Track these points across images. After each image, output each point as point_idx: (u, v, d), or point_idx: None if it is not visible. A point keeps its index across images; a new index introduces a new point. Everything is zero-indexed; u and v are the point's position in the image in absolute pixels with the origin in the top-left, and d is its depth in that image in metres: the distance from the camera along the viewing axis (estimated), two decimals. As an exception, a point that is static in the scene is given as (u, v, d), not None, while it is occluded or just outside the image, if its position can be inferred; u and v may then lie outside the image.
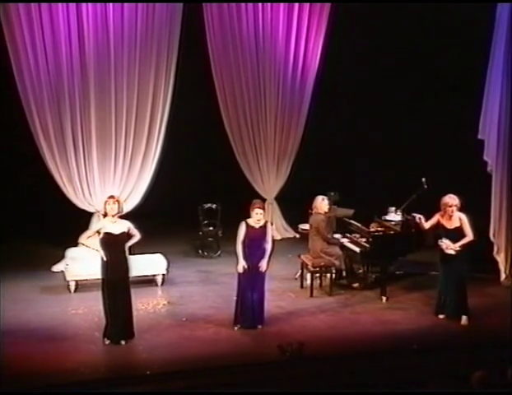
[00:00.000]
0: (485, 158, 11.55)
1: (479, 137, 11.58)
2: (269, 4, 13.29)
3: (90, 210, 12.47)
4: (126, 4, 12.09)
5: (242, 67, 13.40)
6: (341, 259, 11.06)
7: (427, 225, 10.07)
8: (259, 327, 9.82)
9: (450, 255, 9.85)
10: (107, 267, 9.26)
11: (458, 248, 9.82)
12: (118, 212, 9.41)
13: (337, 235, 11.44)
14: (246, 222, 9.70)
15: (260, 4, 13.25)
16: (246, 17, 13.22)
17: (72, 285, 11.20)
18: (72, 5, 11.87)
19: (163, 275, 11.55)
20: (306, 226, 11.74)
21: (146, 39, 12.31)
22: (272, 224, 12.16)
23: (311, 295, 11.01)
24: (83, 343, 9.39)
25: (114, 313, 9.32)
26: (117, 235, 9.28)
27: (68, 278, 11.21)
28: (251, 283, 9.72)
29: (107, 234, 9.26)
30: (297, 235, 13.73)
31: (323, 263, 11.02)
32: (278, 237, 13.80)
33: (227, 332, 9.72)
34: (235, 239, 9.74)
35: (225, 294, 10.77)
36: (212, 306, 10.66)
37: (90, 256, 10.05)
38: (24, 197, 13.37)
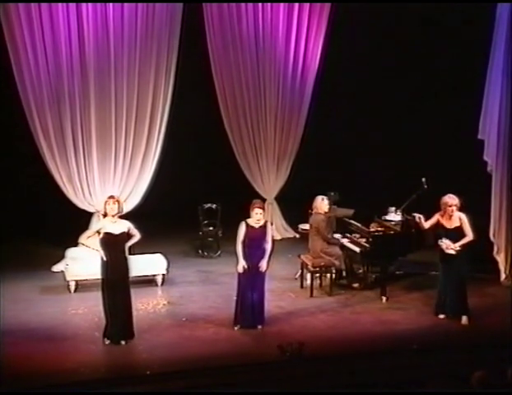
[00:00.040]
0: (485, 158, 11.55)
1: (479, 137, 11.58)
2: (269, 4, 13.29)
3: (90, 210, 12.47)
4: (126, 4, 12.10)
5: (242, 67, 13.40)
6: (341, 259, 11.06)
7: (427, 224, 10.07)
8: (259, 327, 9.82)
9: (450, 255, 9.86)
10: (107, 267, 9.26)
11: (458, 248, 9.82)
12: (118, 212, 9.41)
13: (337, 235, 11.44)
14: (246, 222, 9.70)
15: (260, 4, 13.25)
16: (246, 17, 13.22)
17: (72, 285, 11.20)
18: (72, 5, 11.87)
19: (163, 275, 11.55)
20: (306, 226, 11.74)
21: (146, 39, 12.32)
22: (272, 224, 12.17)
23: (311, 295, 11.01)
24: (83, 343, 9.39)
25: (113, 313, 9.32)
26: (117, 235, 9.28)
27: (68, 278, 11.21)
28: (251, 283, 9.72)
29: (107, 234, 9.26)
30: (297, 235, 13.73)
31: (323, 263, 11.02)
32: (278, 237, 13.80)
33: (227, 332, 9.72)
34: (235, 239, 9.74)
35: (225, 294, 10.77)
36: (212, 306, 10.66)
37: (90, 256, 10.05)
38: (24, 197, 13.38)
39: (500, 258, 11.57)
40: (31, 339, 9.43)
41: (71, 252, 11.70)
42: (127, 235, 9.37)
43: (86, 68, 12.08)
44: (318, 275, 11.27)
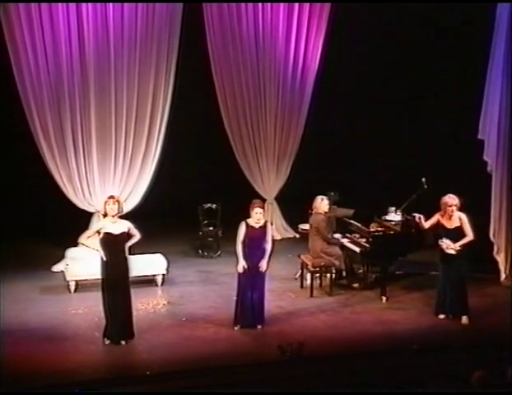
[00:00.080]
0: (485, 158, 11.55)
1: (479, 137, 11.58)
2: (269, 4, 13.29)
3: (90, 210, 12.47)
4: (126, 4, 12.10)
5: (242, 67, 13.40)
6: (341, 259, 11.06)
7: (427, 224, 10.07)
8: (259, 327, 9.81)
9: (450, 255, 9.86)
10: (107, 267, 9.26)
11: (458, 248, 9.83)
12: (118, 212, 9.40)
13: (337, 235, 11.44)
14: (246, 222, 9.70)
15: (260, 4, 13.25)
16: (246, 17, 13.22)
17: (72, 285, 11.20)
18: (72, 5, 11.87)
19: (163, 275, 11.55)
20: (306, 226, 11.74)
21: (146, 39, 12.32)
22: (272, 224, 12.17)
23: (311, 295, 11.01)
24: (83, 343, 9.39)
25: (113, 313, 9.32)
26: (117, 235, 9.28)
27: (68, 278, 11.21)
28: (251, 283, 9.72)
29: (107, 234, 9.26)
30: (297, 235, 13.73)
31: (323, 263, 11.02)
32: (278, 237, 13.80)
33: (227, 332, 9.72)
34: (235, 239, 9.73)
35: (225, 294, 10.77)
36: (212, 306, 10.66)
37: (90, 256, 10.05)
38: (24, 197, 13.37)
39: (500, 258, 11.56)
40: (31, 339, 9.44)
41: (71, 252, 11.70)
42: (127, 235, 9.37)
43: (86, 68, 12.09)
44: (318, 275, 11.26)
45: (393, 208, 11.64)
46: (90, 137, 12.30)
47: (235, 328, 9.81)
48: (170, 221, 13.88)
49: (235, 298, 9.91)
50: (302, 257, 11.30)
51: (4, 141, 12.64)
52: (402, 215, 11.41)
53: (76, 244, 10.70)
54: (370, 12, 13.50)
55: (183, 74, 12.62)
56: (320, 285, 11.30)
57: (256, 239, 9.67)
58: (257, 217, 9.64)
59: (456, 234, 9.87)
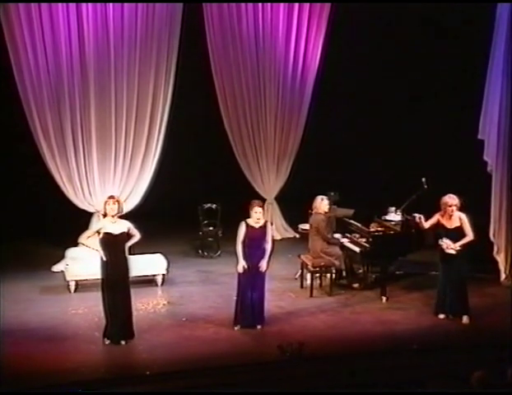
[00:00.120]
0: (485, 158, 11.55)
1: (479, 137, 11.58)
2: (269, 4, 13.29)
3: (90, 210, 12.47)
4: (126, 4, 12.09)
5: (242, 67, 13.40)
6: (341, 259, 11.06)
7: (427, 224, 10.07)
8: (259, 327, 9.81)
9: (450, 255, 9.86)
10: (107, 267, 9.26)
11: (458, 248, 9.83)
12: (118, 212, 9.40)
13: (337, 235, 11.43)
14: (246, 222, 9.70)
15: (260, 4, 13.25)
16: (246, 17, 13.22)
17: (72, 285, 11.20)
18: (72, 5, 11.87)
19: (163, 275, 11.55)
20: (306, 226, 11.74)
21: (146, 39, 12.31)
22: (272, 224, 12.17)
23: (311, 295, 11.01)
24: (83, 343, 9.39)
25: (113, 313, 9.32)
26: (117, 235, 9.28)
27: (68, 278, 11.21)
28: (251, 283, 9.72)
29: (107, 234, 9.26)
30: (297, 235, 13.73)
31: (323, 263, 11.02)
32: (278, 237, 13.80)
33: (227, 332, 9.72)
34: (235, 239, 9.73)
35: (225, 294, 10.77)
36: (212, 306, 10.66)
37: (90, 256, 10.05)
38: (24, 197, 13.37)
39: (500, 258, 11.57)
40: (31, 339, 9.44)
41: (71, 252, 11.70)
42: (127, 235, 9.37)
43: (86, 68, 12.08)
44: (318, 275, 11.26)
45: (393, 208, 11.63)
46: (90, 137, 12.30)
47: (235, 328, 9.81)
48: (170, 221, 13.88)
49: (235, 298, 9.91)
50: (302, 257, 11.30)
51: (4, 141, 12.64)
52: (402, 215, 11.41)
53: (76, 244, 10.70)
54: (370, 12, 13.50)
55: (183, 74, 12.62)
56: (320, 285, 11.30)
57: (256, 239, 9.67)
58: (256, 216, 9.64)
59: (456, 234, 9.87)
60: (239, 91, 13.48)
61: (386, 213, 11.70)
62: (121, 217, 9.51)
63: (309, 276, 11.24)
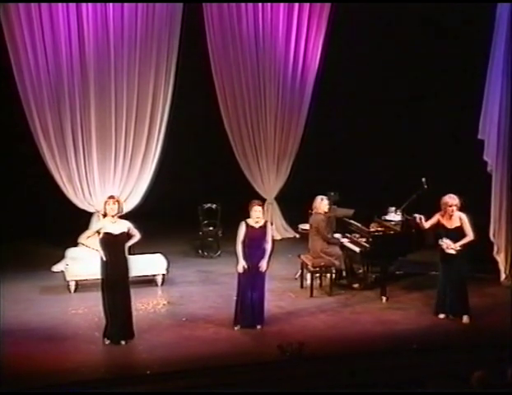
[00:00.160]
0: (485, 158, 11.55)
1: (479, 137, 11.58)
2: (269, 4, 13.29)
3: (90, 210, 12.47)
4: (126, 4, 12.10)
5: (242, 67, 13.40)
6: (341, 259, 11.06)
7: (427, 224, 10.07)
8: (258, 327, 9.81)
9: (451, 255, 9.86)
10: (107, 267, 9.26)
11: (458, 248, 9.83)
12: (118, 212, 9.40)
13: (337, 235, 11.43)
14: (246, 222, 9.70)
15: (260, 4, 13.25)
16: (246, 17, 13.22)
17: (72, 285, 11.20)
18: (72, 5, 11.87)
19: (163, 275, 11.55)
20: (306, 226, 11.74)
21: (146, 39, 12.32)
22: (272, 224, 12.17)
23: (311, 295, 11.01)
24: (83, 343, 9.39)
25: (113, 313, 9.32)
26: (117, 235, 9.28)
27: (68, 278, 11.21)
28: (251, 283, 9.72)
29: (107, 234, 9.26)
30: (297, 235, 13.73)
31: (323, 263, 11.02)
32: (278, 237, 13.80)
33: (227, 332, 9.72)
34: (235, 239, 9.73)
35: (225, 294, 10.77)
36: (212, 306, 10.66)
37: (90, 256, 10.05)
38: (24, 197, 13.37)
39: (500, 258, 11.57)
40: (31, 339, 9.44)
41: (71, 252, 11.70)
42: (127, 235, 9.37)
43: (86, 68, 12.09)
44: (318, 275, 11.26)
45: (393, 208, 11.64)
46: (90, 137, 12.30)
47: (235, 328, 9.80)
48: (170, 221, 13.88)
49: (235, 298, 9.91)
50: (302, 257, 11.30)
51: (4, 141, 12.64)
52: (402, 215, 11.41)
53: (76, 244, 10.70)
54: (370, 12, 13.50)
55: (183, 74, 12.62)
56: (320, 285, 11.30)
57: (256, 239, 9.67)
58: (256, 215, 9.64)
59: (456, 234, 9.87)
60: (239, 91, 13.48)
61: (386, 213, 11.70)
62: (121, 217, 9.51)
63: (309, 276, 11.24)
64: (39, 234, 13.37)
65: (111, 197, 9.52)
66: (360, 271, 11.61)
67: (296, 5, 13.40)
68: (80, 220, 12.09)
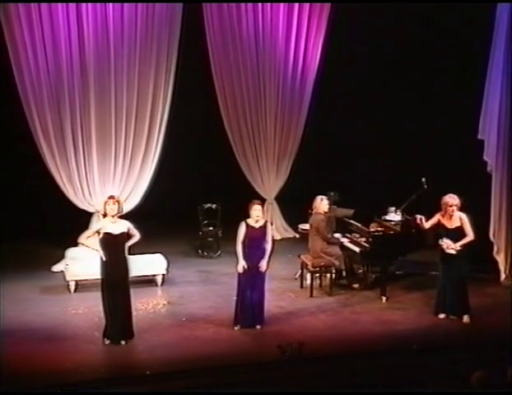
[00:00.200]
0: (485, 158, 11.55)
1: (479, 137, 11.58)
2: (269, 4, 13.30)
3: (90, 210, 12.47)
4: (126, 4, 12.10)
5: (242, 67, 13.40)
6: (341, 259, 11.06)
7: (428, 225, 10.07)
8: (258, 327, 9.81)
9: (451, 255, 9.86)
10: (106, 267, 9.26)
11: (458, 248, 9.83)
12: (118, 212, 9.40)
13: (337, 235, 11.43)
14: (246, 222, 9.70)
15: (260, 4, 13.25)
16: (246, 17, 13.22)
17: (72, 285, 11.20)
18: (72, 5, 11.87)
19: (163, 275, 11.55)
20: (306, 226, 11.74)
21: (146, 39, 12.32)
22: (272, 224, 12.17)
23: (311, 295, 11.01)
24: (83, 343, 9.39)
25: (113, 313, 9.32)
26: (117, 235, 9.28)
27: (68, 278, 11.21)
28: (251, 283, 9.72)
29: (107, 234, 9.26)
30: (297, 235, 13.73)
31: (322, 263, 11.02)
32: (278, 237, 13.80)
33: (227, 332, 9.72)
34: (235, 239, 9.73)
35: (225, 294, 10.77)
36: (212, 306, 10.66)
37: (90, 256, 10.05)
38: (24, 197, 13.37)
39: (500, 258, 11.57)
40: (31, 339, 9.43)
41: (71, 252, 11.70)
42: (127, 235, 9.37)
43: (86, 68, 12.09)
44: (318, 275, 11.26)
45: (393, 208, 11.63)
46: (90, 137, 12.30)
47: (235, 328, 9.80)
48: (170, 221, 13.87)
49: (234, 298, 9.91)
50: (302, 257, 11.30)
51: (4, 141, 12.64)
52: (402, 215, 11.42)
53: (76, 244, 10.69)
54: (370, 12, 13.49)
55: (183, 74, 12.62)
56: (320, 285, 11.30)
57: (256, 239, 9.67)
58: (256, 214, 9.64)
59: (456, 234, 9.87)
60: (239, 91, 13.48)
61: (386, 213, 11.70)
62: (121, 217, 9.51)
63: (309, 276, 11.24)
64: (39, 234, 13.38)
65: (111, 197, 9.52)
66: (360, 271, 11.60)
67: (296, 5, 13.41)
68: (80, 220, 12.09)
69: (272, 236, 10.36)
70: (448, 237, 9.88)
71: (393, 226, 11.28)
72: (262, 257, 9.66)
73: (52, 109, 12.09)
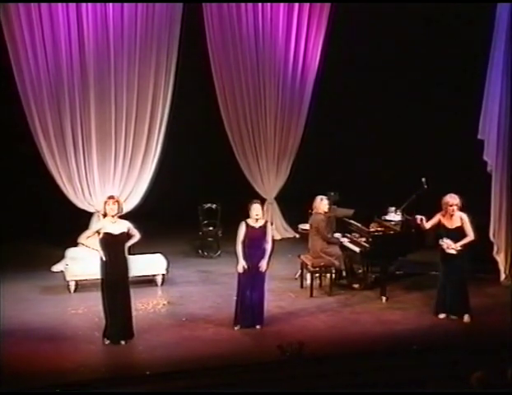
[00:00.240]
0: (485, 158, 11.56)
1: (479, 137, 11.58)
2: (269, 4, 13.30)
3: (90, 210, 12.48)
4: (126, 4, 12.10)
5: (242, 67, 13.40)
6: (340, 259, 11.06)
7: (428, 225, 10.07)
8: (258, 327, 9.81)
9: (451, 255, 9.86)
10: (106, 267, 9.26)
11: (459, 248, 9.83)
12: (118, 212, 9.40)
13: (337, 235, 11.43)
14: (246, 222, 9.70)
15: (260, 4, 13.25)
16: (246, 17, 13.23)
17: (72, 285, 11.20)
18: (72, 5, 11.87)
19: (163, 275, 11.55)
20: (306, 226, 11.74)
21: (146, 39, 12.32)
22: (272, 224, 12.17)
23: (311, 295, 11.01)
24: (83, 343, 9.38)
25: (113, 313, 9.31)
26: (116, 235, 9.27)
27: (68, 278, 11.21)
28: (251, 283, 9.72)
29: (107, 234, 9.26)
30: (297, 235, 13.73)
31: (322, 263, 11.02)
32: (278, 237, 13.80)
33: (227, 332, 9.72)
34: (235, 239, 9.73)
35: (225, 294, 10.77)
36: (212, 306, 10.66)
37: (90, 256, 10.05)
38: (24, 197, 13.37)
39: (500, 258, 11.57)
40: (31, 339, 9.43)
41: (71, 252, 11.70)
42: (126, 235, 9.37)
43: (86, 68, 12.09)
44: (318, 275, 11.26)
45: (393, 208, 11.64)
46: (90, 137, 12.30)
47: (235, 328, 9.80)
48: (170, 221, 13.87)
49: (234, 298, 9.91)
50: (302, 257, 11.30)
51: (4, 141, 12.64)
52: (402, 215, 11.42)
53: (76, 244, 10.70)
54: (370, 12, 13.49)
55: (183, 74, 12.62)
56: (320, 285, 11.30)
57: (256, 239, 9.67)
58: (255, 213, 9.63)
59: (457, 234, 9.87)
60: (239, 91, 13.48)
61: (386, 213, 11.71)
62: (121, 217, 9.51)
63: (309, 276, 11.23)
64: (39, 234, 13.38)
65: (111, 197, 9.52)
66: (360, 271, 11.60)
67: (296, 5, 13.41)
68: (80, 220, 12.09)
69: (272, 236, 10.35)
70: (448, 237, 9.88)
71: (393, 226, 11.28)
72: (262, 257, 9.66)
73: (52, 109, 12.09)
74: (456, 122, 13.24)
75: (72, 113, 12.16)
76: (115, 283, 9.26)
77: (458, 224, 9.89)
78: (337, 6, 13.29)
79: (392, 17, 13.55)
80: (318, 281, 11.31)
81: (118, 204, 9.42)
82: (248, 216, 9.71)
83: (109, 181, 12.48)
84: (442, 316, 10.10)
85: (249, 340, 9.57)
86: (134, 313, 9.62)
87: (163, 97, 12.55)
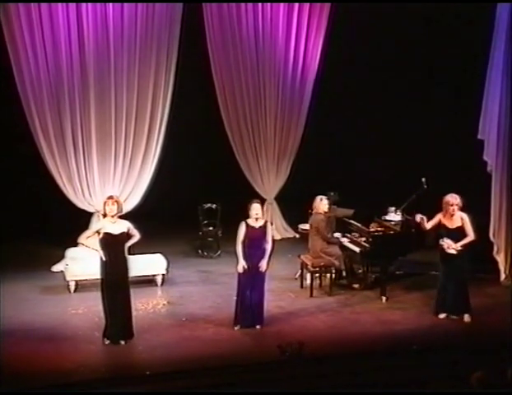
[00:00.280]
0: (485, 158, 11.56)
1: (479, 137, 11.58)
2: (269, 4, 13.30)
3: (90, 210, 12.48)
4: (126, 4, 12.10)
5: (242, 67, 13.41)
6: (340, 259, 11.06)
7: (429, 225, 10.07)
8: (258, 327, 9.81)
9: (451, 255, 9.86)
10: (106, 267, 9.26)
11: (459, 248, 9.83)
12: (118, 212, 9.40)
13: (337, 235, 11.43)
14: (246, 222, 9.70)
15: (260, 4, 13.26)
16: (246, 17, 13.23)
17: (72, 285, 11.20)
18: (72, 5, 11.88)
19: (163, 275, 11.55)
20: (306, 226, 11.74)
21: (146, 39, 12.32)
22: (272, 224, 12.17)
23: (311, 295, 11.01)
24: (83, 343, 9.38)
25: (113, 313, 9.31)
26: (116, 235, 9.27)
27: (68, 278, 11.22)
28: (251, 283, 9.72)
29: (106, 234, 9.26)
30: (297, 235, 13.73)
31: (322, 263, 11.02)
32: (278, 237, 13.80)
33: (227, 332, 9.72)
34: (235, 239, 9.73)
35: (225, 294, 10.77)
36: (212, 306, 10.66)
37: (90, 256, 10.05)
38: (24, 197, 13.37)
39: (500, 258, 11.57)
40: (31, 339, 9.43)
41: (71, 252, 11.70)
42: (126, 235, 9.37)
43: (85, 68, 12.09)
44: (318, 275, 11.26)
45: (393, 208, 11.63)
46: (90, 137, 12.30)
47: (235, 328, 9.80)
48: (170, 221, 13.87)
49: (234, 298, 9.91)
50: (302, 257, 11.30)
51: (4, 141, 12.64)
52: (402, 215, 11.42)
53: (76, 244, 10.70)
54: (370, 12, 13.49)
55: (183, 74, 12.62)
56: (320, 285, 11.30)
57: (256, 239, 9.67)
58: (255, 212, 9.63)
59: (457, 234, 9.87)
60: (239, 91, 13.49)
61: (386, 213, 11.70)
62: (121, 217, 9.51)
63: (308, 276, 11.23)
64: (39, 234, 13.37)
65: (110, 197, 9.52)
66: (360, 271, 11.60)
67: (296, 5, 13.41)
68: (80, 220, 12.09)
69: (272, 236, 10.35)
70: (449, 237, 9.88)
71: (393, 226, 11.28)
72: (262, 257, 9.66)
73: (52, 109, 12.09)
74: (456, 122, 13.25)
75: (72, 113, 12.16)
76: (115, 283, 9.26)
77: (459, 224, 9.89)
78: (337, 6, 13.29)
79: (392, 17, 13.55)
80: (318, 281, 11.31)
81: (118, 204, 9.42)
82: (248, 216, 9.71)
83: (109, 181, 12.48)
84: (442, 316, 10.11)
85: (249, 340, 9.57)
86: (134, 313, 9.63)
87: (163, 97, 12.55)
